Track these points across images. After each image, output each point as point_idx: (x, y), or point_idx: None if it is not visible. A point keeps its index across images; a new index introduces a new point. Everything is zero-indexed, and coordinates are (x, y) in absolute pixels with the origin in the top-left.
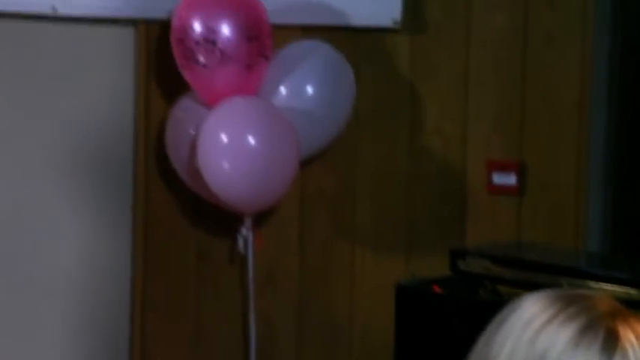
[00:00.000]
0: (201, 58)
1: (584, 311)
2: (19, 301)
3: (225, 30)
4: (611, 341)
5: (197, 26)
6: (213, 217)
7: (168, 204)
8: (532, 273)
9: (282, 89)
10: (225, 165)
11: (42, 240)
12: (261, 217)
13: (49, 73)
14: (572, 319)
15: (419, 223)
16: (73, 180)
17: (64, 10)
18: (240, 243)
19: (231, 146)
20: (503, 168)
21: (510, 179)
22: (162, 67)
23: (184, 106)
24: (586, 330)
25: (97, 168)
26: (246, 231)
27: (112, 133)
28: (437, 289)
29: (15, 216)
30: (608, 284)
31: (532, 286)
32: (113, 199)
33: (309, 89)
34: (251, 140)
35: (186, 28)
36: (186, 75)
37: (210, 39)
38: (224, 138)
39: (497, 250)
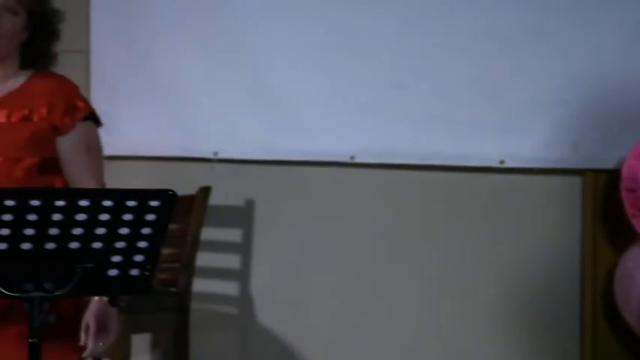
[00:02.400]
0: None
1: None
2: None
3: None
4: None
5: None
6: None
7: (617, 353)
8: None
9: None
10: None
11: None
12: None
13: (494, 221)
14: None
15: None
16: (516, 329)
17: (512, 163)
18: None
19: None
20: None
21: None
22: (609, 215)
23: (635, 256)
24: None
25: (541, 316)
26: None
27: (558, 280)
28: None
29: None
30: None
31: None
32: (559, 349)
33: None
34: None
35: (637, 178)
36: (637, 225)
37: None
38: None
39: None
